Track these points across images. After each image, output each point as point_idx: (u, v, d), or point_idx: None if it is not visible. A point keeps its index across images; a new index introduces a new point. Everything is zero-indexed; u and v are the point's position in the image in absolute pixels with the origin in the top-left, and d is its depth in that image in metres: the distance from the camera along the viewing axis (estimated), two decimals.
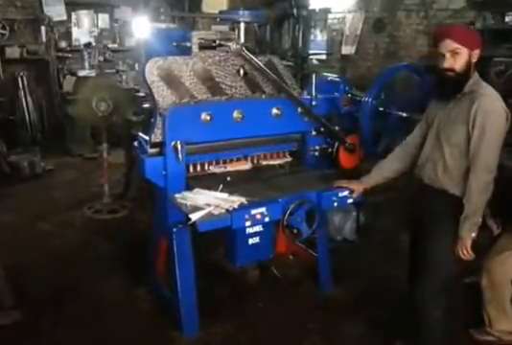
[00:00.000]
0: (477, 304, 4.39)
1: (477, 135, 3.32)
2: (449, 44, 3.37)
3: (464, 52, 3.36)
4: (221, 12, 5.08)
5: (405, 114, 4.67)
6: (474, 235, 3.42)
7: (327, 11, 12.19)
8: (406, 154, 3.95)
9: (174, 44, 4.39)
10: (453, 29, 3.56)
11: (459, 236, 3.44)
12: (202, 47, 4.24)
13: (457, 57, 3.37)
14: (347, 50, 11.79)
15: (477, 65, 3.46)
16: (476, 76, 3.47)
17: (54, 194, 7.70)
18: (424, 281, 3.71)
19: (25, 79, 10.25)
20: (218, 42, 4.22)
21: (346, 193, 4.05)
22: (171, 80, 4.07)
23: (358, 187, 4.11)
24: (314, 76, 4.49)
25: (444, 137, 3.53)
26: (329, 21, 12.34)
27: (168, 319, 4.42)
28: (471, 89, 3.41)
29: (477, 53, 3.39)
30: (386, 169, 4.06)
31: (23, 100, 10.25)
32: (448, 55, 3.39)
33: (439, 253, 3.63)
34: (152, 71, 4.00)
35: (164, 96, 4.02)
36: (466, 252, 3.45)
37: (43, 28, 10.34)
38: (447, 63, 3.41)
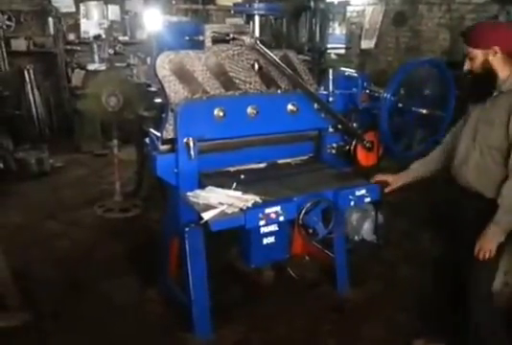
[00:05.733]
0: None
1: None
2: (465, 48, 3.52)
3: (477, 54, 3.44)
4: (235, 5, 5.09)
5: (425, 111, 4.68)
6: (502, 239, 3.44)
7: (346, 3, 12.21)
8: (445, 155, 4.00)
9: (187, 38, 4.42)
10: (465, 32, 3.59)
11: (485, 237, 3.45)
12: (216, 41, 4.27)
13: (472, 59, 3.48)
14: (367, 44, 11.79)
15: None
16: None
17: (63, 192, 7.77)
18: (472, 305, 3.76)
19: (32, 72, 10.27)
20: (231, 36, 4.25)
21: (364, 191, 4.08)
22: (183, 74, 4.10)
23: (395, 181, 4.20)
24: (330, 71, 4.52)
25: (482, 139, 3.52)
26: (348, 14, 12.36)
27: (180, 321, 4.46)
28: (510, 87, 3.41)
29: (496, 50, 3.38)
30: (425, 167, 4.14)
31: (30, 94, 10.29)
32: (466, 57, 3.52)
33: (483, 268, 3.64)
34: (164, 65, 4.02)
35: (176, 91, 4.04)
36: (488, 255, 3.46)
37: (51, 19, 10.45)
38: (465, 66, 3.55)
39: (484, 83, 3.53)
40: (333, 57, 12.06)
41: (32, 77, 10.29)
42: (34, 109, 10.31)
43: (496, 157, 3.48)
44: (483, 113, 3.53)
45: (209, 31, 4.20)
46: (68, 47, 10.73)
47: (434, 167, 4.09)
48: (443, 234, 4.21)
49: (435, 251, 4.28)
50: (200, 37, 4.21)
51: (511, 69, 3.45)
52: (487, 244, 3.45)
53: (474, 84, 3.69)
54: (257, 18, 4.47)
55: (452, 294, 4.03)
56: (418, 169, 4.16)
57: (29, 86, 10.28)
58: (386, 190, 4.21)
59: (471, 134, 3.61)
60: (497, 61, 3.43)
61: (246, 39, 4.19)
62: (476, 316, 3.75)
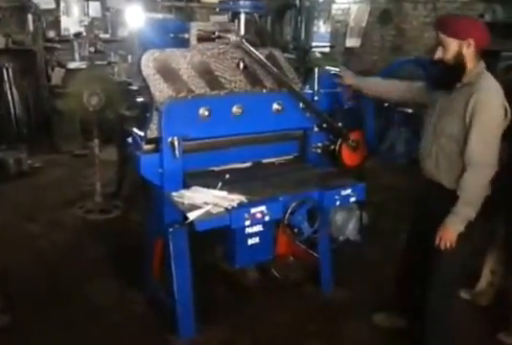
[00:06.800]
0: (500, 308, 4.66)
1: (474, 130, 3.45)
2: (438, 36, 3.59)
3: (452, 43, 3.53)
4: (221, 2, 5.12)
5: (410, 110, 4.75)
6: (461, 228, 3.59)
7: (331, 1, 12.28)
8: (406, 89, 4.24)
9: (172, 35, 4.45)
10: (442, 20, 3.73)
11: (445, 227, 3.62)
12: (201, 39, 4.29)
13: (446, 48, 3.57)
14: (352, 42, 11.88)
15: (479, 55, 3.60)
16: (479, 67, 3.60)
17: (42, 193, 7.75)
18: (434, 284, 3.91)
19: (10, 70, 10.14)
20: (217, 34, 4.29)
21: (349, 191, 4.15)
22: (167, 73, 4.12)
23: (349, 79, 4.59)
24: (316, 70, 4.57)
25: (440, 128, 3.70)
26: (333, 12, 12.44)
27: (163, 322, 4.49)
28: (470, 80, 3.55)
29: (471, 42, 3.50)
30: (382, 83, 4.48)
31: (8, 93, 10.16)
32: (439, 46, 3.60)
33: (445, 258, 3.78)
34: (149, 63, 4.04)
35: (160, 90, 4.06)
36: (449, 244, 3.63)
37: (30, 16, 10.31)
38: (436, 55, 3.63)
39: (452, 73, 3.62)
40: (317, 55, 12.09)
41: (10, 75, 10.18)
42: (12, 108, 10.20)
43: (454, 148, 3.63)
44: (446, 104, 3.69)
45: (194, 29, 4.23)
46: (48, 45, 10.61)
47: (390, 89, 4.38)
48: (410, 227, 4.36)
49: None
50: (186, 35, 4.24)
51: (476, 62, 3.59)
52: (447, 234, 3.62)
53: (442, 73, 3.74)
54: (242, 16, 4.50)
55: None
56: (372, 80, 4.60)
57: (7, 85, 10.16)
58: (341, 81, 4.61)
59: (433, 125, 3.78)
60: (468, 55, 3.55)
61: (232, 38, 4.22)
62: (433, 303, 3.95)
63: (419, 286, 4.07)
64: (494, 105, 3.47)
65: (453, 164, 3.64)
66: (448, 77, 3.65)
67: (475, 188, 3.53)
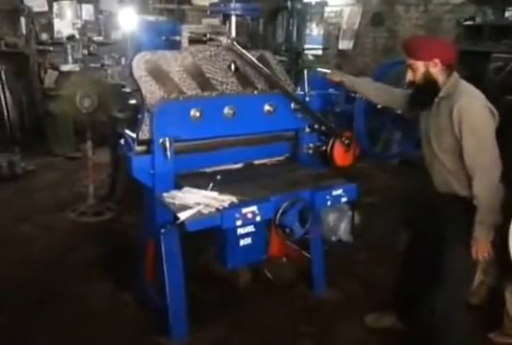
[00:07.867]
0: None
1: (465, 137, 3.48)
2: (406, 59, 3.72)
3: (419, 65, 3.65)
4: (212, 5, 5.14)
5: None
6: (492, 236, 3.57)
7: (323, 4, 12.30)
8: (385, 93, 4.40)
9: (164, 38, 4.46)
10: (406, 43, 3.78)
11: (477, 239, 3.55)
12: (192, 41, 4.29)
13: (414, 70, 3.68)
14: (344, 45, 11.89)
15: (451, 67, 3.67)
16: (452, 79, 3.64)
17: (35, 195, 7.74)
18: (444, 291, 3.82)
19: (3, 73, 10.03)
20: (208, 36, 4.30)
21: (340, 191, 4.18)
22: (159, 75, 4.12)
23: (336, 76, 4.69)
24: (305, 71, 4.60)
25: (436, 144, 3.73)
26: (325, 15, 12.45)
27: (155, 324, 4.49)
28: (447, 93, 3.61)
29: (436, 61, 3.59)
30: (370, 87, 4.50)
31: (1, 96, 10.07)
32: (408, 68, 3.72)
33: (460, 261, 3.75)
34: (140, 65, 4.04)
35: (152, 91, 4.07)
36: (486, 255, 3.59)
37: (23, 19, 10.33)
38: (407, 76, 3.76)
39: (426, 91, 3.70)
40: (310, 57, 12.10)
41: (3, 78, 10.09)
42: (5, 111, 10.15)
43: (453, 159, 3.65)
44: (431, 120, 3.75)
45: (186, 31, 4.23)
46: (41, 47, 10.60)
47: (375, 93, 4.45)
48: (414, 231, 4.39)
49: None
50: (177, 38, 4.26)
51: (447, 75, 3.64)
52: (483, 247, 3.56)
53: (416, 92, 3.82)
54: (233, 19, 4.52)
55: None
56: (363, 80, 4.59)
57: (0, 88, 10.19)
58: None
59: (427, 141, 3.85)
60: (436, 72, 3.63)
61: (224, 40, 4.24)
62: (445, 304, 3.85)
63: (422, 287, 4.07)
64: (476, 108, 3.49)
65: (460, 173, 3.65)
66: (423, 95, 3.73)
67: (488, 192, 3.49)
